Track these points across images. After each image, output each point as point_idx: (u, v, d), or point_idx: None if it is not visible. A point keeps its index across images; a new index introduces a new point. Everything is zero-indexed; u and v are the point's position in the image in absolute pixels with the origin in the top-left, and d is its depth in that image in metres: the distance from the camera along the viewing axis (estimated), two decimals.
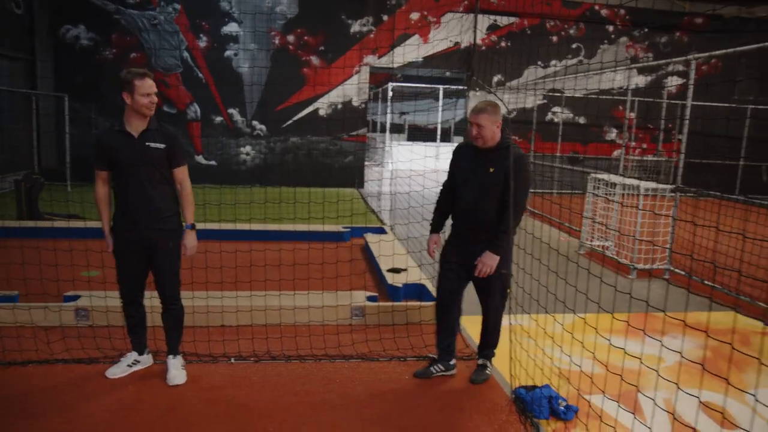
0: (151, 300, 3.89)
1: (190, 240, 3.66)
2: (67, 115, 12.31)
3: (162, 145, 3.55)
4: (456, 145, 3.98)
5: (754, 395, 3.24)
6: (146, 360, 3.90)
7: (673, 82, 15.07)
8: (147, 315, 3.87)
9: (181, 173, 3.65)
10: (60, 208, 8.77)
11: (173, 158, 3.61)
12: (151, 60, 13.20)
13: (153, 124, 3.56)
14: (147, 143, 3.51)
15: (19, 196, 8.52)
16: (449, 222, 3.95)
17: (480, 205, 3.63)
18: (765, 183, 14.51)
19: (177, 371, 3.76)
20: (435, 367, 3.91)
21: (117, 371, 3.75)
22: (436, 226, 3.93)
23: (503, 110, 3.73)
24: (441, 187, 3.94)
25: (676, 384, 2.68)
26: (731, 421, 3.48)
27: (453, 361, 3.96)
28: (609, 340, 3.16)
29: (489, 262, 3.59)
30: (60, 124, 12.75)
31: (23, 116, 12.37)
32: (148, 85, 3.45)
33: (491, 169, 3.60)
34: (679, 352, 2.57)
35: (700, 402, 3.54)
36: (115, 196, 3.62)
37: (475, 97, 4.89)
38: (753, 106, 14.18)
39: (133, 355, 3.84)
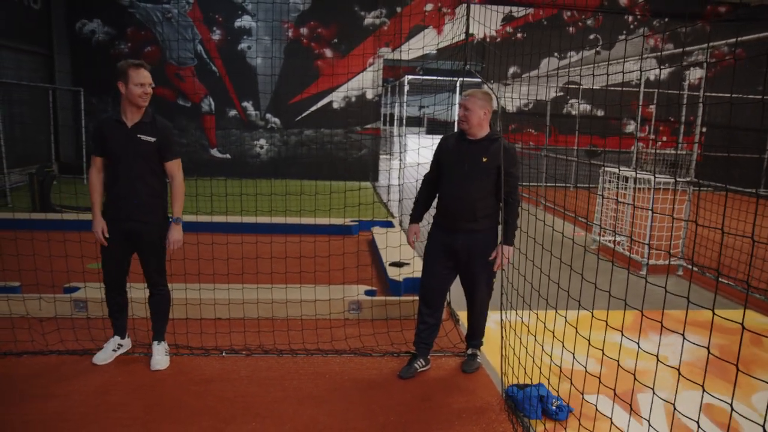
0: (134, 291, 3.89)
1: (174, 234, 3.63)
2: (83, 109, 12.45)
3: (152, 139, 3.53)
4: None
5: None
6: (127, 343, 3.97)
7: (695, 74, 14.68)
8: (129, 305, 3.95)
9: (172, 167, 3.63)
10: (70, 200, 8.87)
11: (164, 152, 3.59)
12: (165, 53, 13.27)
13: (147, 116, 3.56)
14: (138, 135, 3.50)
15: (32, 189, 8.65)
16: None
17: (470, 194, 3.57)
18: None
19: (160, 357, 3.79)
20: (418, 363, 3.84)
21: (103, 356, 3.80)
22: (416, 217, 3.89)
23: (497, 102, 3.66)
24: (422, 178, 3.89)
25: (701, 384, 2.55)
26: (736, 428, 3.34)
27: (429, 356, 3.96)
28: (619, 337, 3.04)
29: (508, 254, 3.63)
30: (77, 118, 12.91)
31: (42, 110, 12.55)
32: (142, 76, 3.43)
33: (484, 159, 3.55)
34: (709, 348, 2.44)
35: (705, 403, 3.41)
36: (105, 184, 3.62)
37: (492, 89, 4.82)
38: None
39: (116, 340, 3.89)
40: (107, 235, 3.59)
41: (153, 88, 3.53)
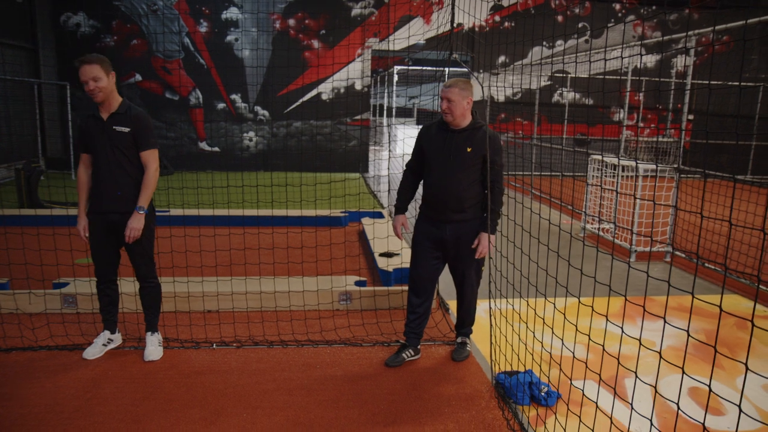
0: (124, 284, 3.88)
1: (134, 221, 3.54)
2: (70, 103, 12.34)
3: (127, 129, 3.53)
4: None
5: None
6: (117, 338, 3.97)
7: (682, 62, 14.73)
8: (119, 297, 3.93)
9: (147, 156, 3.60)
10: (58, 196, 8.82)
11: (139, 142, 3.57)
12: (151, 46, 13.16)
13: (123, 107, 3.56)
14: (114, 127, 3.52)
15: (19, 185, 8.58)
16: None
17: (455, 184, 3.57)
18: None
19: (154, 347, 3.83)
20: (406, 352, 3.86)
21: (93, 351, 3.82)
22: (401, 208, 3.89)
23: (479, 90, 3.67)
24: (404, 168, 3.89)
25: (680, 368, 2.59)
26: (718, 407, 3.40)
27: (419, 345, 3.98)
28: (605, 323, 3.08)
29: (486, 242, 3.61)
30: (63, 112, 12.79)
31: (27, 105, 12.43)
32: (82, 73, 3.45)
33: (469, 149, 3.55)
34: (689, 332, 2.48)
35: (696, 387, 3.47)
36: (91, 179, 3.65)
37: (479, 79, 4.81)
38: (765, 84, 13.83)
39: (106, 334, 3.89)
40: (88, 234, 3.65)
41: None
